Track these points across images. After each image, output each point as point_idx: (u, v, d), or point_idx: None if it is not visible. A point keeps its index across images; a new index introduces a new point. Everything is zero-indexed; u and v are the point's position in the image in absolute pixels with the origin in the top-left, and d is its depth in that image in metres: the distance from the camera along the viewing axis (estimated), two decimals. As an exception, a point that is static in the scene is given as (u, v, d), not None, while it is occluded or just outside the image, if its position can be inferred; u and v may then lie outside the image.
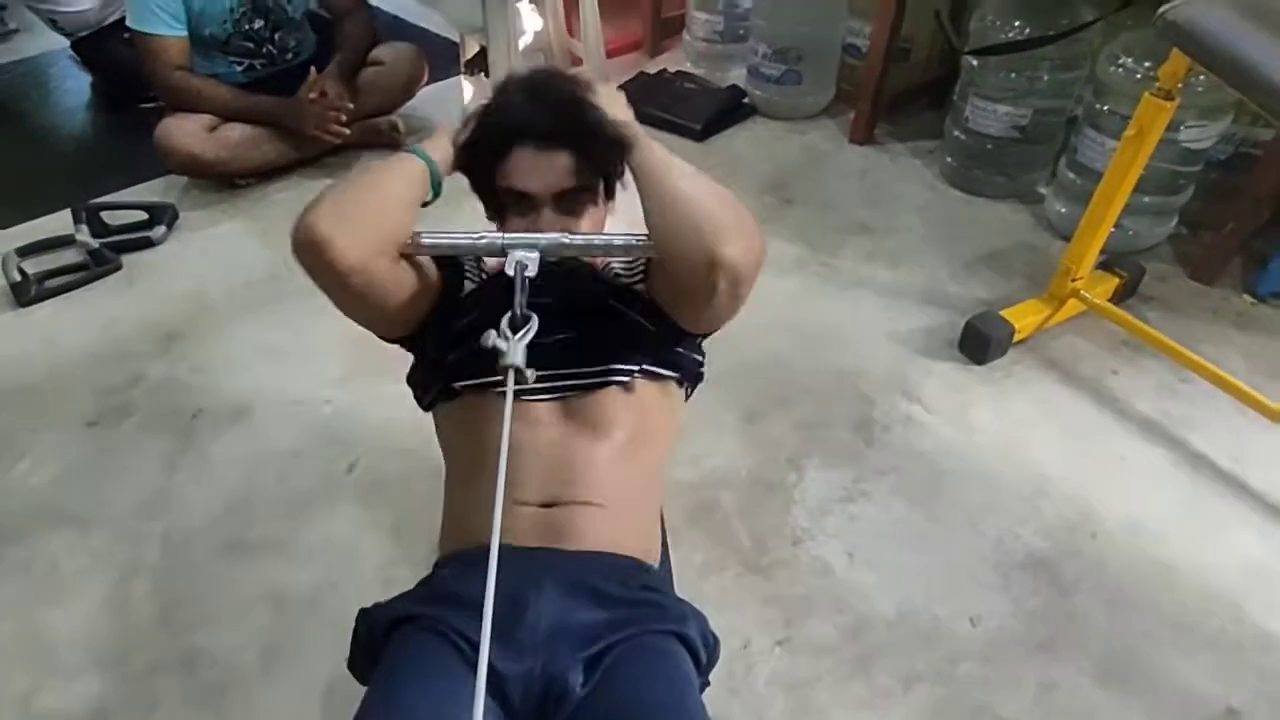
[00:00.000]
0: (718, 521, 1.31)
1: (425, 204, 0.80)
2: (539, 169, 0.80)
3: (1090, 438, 1.43)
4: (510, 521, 0.78)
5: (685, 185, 0.75)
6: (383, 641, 0.73)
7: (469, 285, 0.90)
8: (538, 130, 0.80)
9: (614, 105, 0.83)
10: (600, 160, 0.81)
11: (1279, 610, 1.17)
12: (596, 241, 0.81)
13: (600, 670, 0.70)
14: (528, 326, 0.71)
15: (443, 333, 0.86)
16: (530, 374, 0.68)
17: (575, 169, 0.80)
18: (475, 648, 0.68)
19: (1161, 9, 1.18)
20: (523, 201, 0.82)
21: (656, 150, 0.79)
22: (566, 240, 0.78)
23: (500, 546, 0.74)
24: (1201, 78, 1.51)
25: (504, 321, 0.72)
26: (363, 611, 0.78)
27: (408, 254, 0.80)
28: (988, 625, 1.17)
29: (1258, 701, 1.08)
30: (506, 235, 0.79)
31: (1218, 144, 1.70)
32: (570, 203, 0.82)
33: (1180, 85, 1.28)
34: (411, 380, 0.92)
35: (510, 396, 0.66)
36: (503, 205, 0.84)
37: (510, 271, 0.75)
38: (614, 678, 0.69)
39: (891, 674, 1.11)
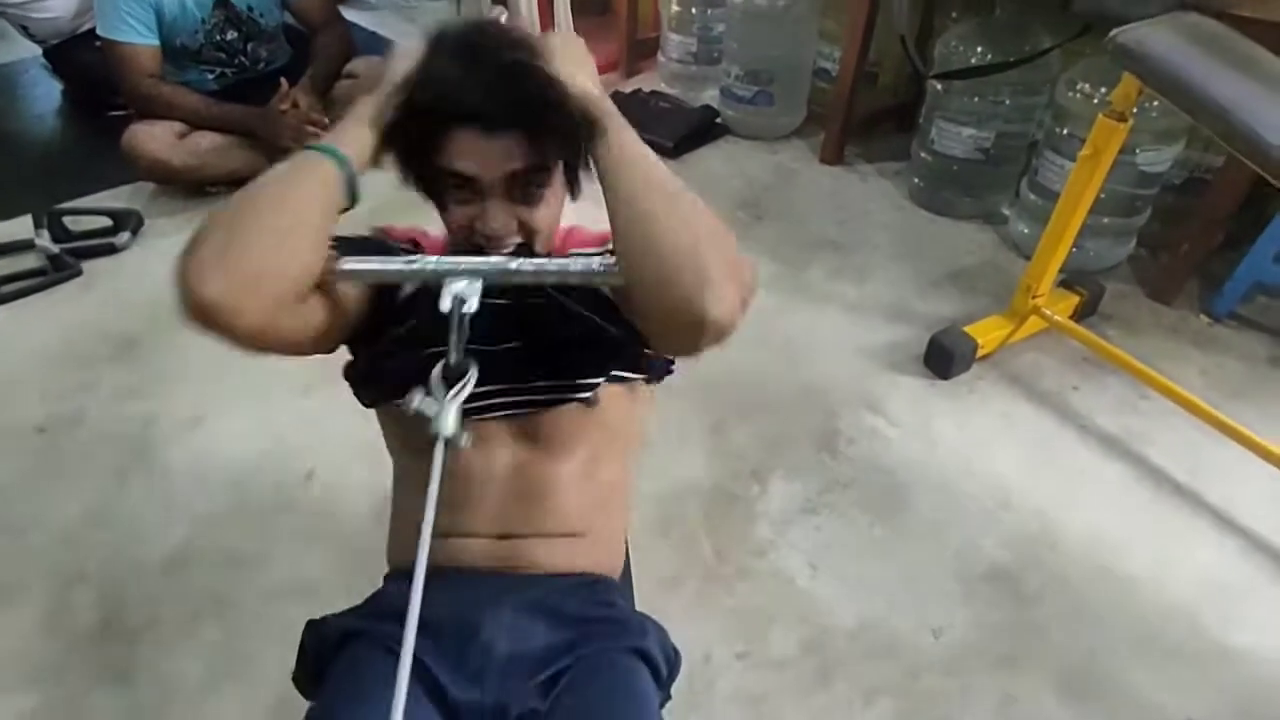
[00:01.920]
0: (681, 533, 1.30)
1: (343, 210, 0.66)
2: (484, 153, 0.66)
3: (1052, 452, 1.44)
4: (461, 549, 0.74)
5: (663, 211, 0.60)
6: (330, 656, 0.71)
7: (407, 288, 0.76)
8: (481, 112, 0.65)
9: (573, 65, 0.68)
10: (559, 143, 0.67)
11: (1235, 623, 1.17)
12: (551, 268, 0.66)
13: (557, 691, 0.67)
14: (464, 381, 0.62)
15: (379, 341, 0.75)
16: (465, 440, 0.60)
17: (528, 149, 0.66)
18: (426, 668, 0.66)
19: (1113, 33, 1.22)
20: (465, 186, 0.68)
21: (629, 144, 0.64)
22: (515, 267, 0.65)
23: (451, 570, 0.73)
24: (1155, 103, 1.56)
25: (435, 372, 0.62)
26: (310, 623, 0.75)
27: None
28: (950, 637, 1.16)
29: (1216, 714, 1.08)
30: (441, 261, 0.66)
31: (1172, 168, 1.75)
32: (523, 188, 0.69)
33: (1133, 108, 1.32)
34: (348, 377, 0.81)
35: (439, 466, 0.57)
36: (440, 187, 0.70)
37: (446, 307, 0.61)
38: (571, 698, 0.67)
39: (852, 687, 1.10)
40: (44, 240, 1.83)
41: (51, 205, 1.94)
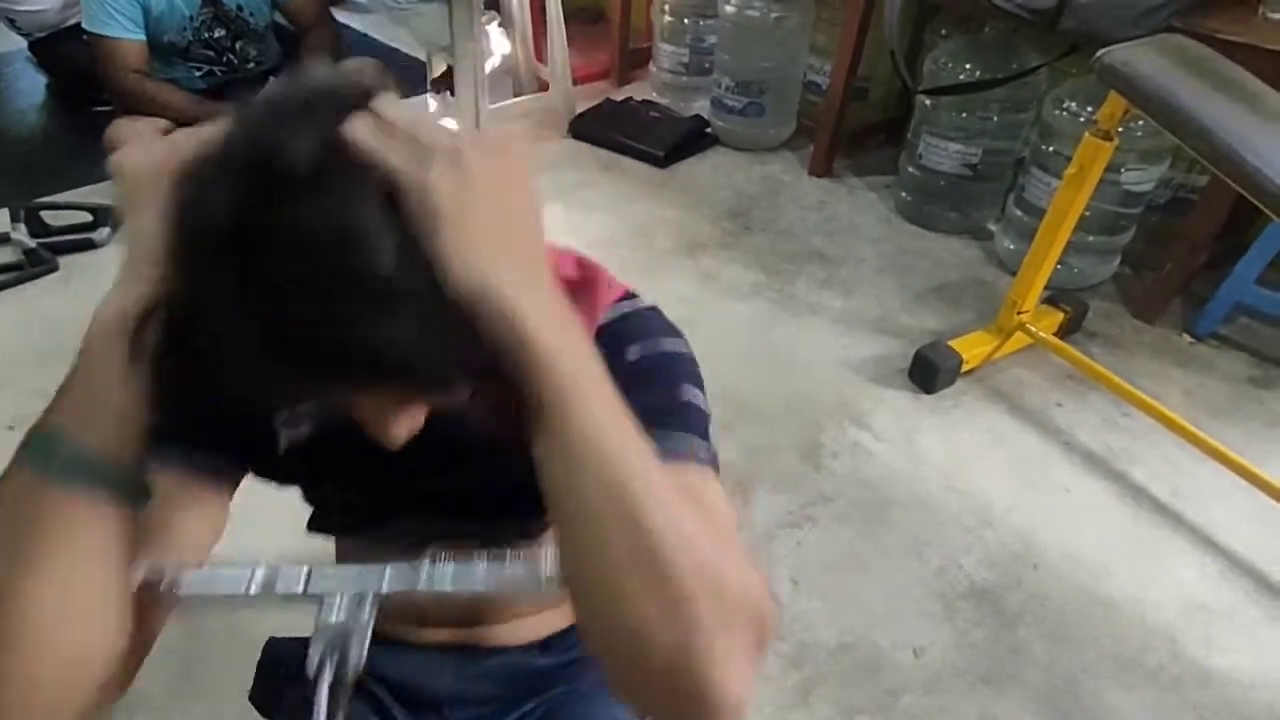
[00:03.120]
0: (661, 545, 1.28)
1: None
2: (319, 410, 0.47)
3: (1034, 469, 1.44)
4: (413, 633, 0.67)
5: (629, 554, 0.36)
6: (289, 677, 0.66)
7: (285, 437, 0.53)
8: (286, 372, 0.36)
9: (489, 236, 0.36)
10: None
11: (1215, 645, 1.17)
12: (478, 579, 0.42)
13: None
14: None
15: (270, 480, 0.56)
16: None
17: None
18: (385, 709, 0.64)
19: (1099, 53, 1.22)
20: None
21: (584, 430, 0.37)
22: (423, 578, 0.43)
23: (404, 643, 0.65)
24: (1140, 123, 1.57)
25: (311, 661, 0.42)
26: (271, 641, 0.72)
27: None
28: (930, 656, 1.15)
29: (1194, 737, 1.07)
30: (316, 571, 0.44)
31: (1157, 188, 1.77)
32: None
33: (1119, 127, 1.32)
34: None
35: None
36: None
37: (311, 669, 0.42)
38: None
39: (832, 705, 1.09)
40: (20, 234, 1.80)
41: (30, 199, 1.91)
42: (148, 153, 0.38)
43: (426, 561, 0.43)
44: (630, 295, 0.56)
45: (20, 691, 0.38)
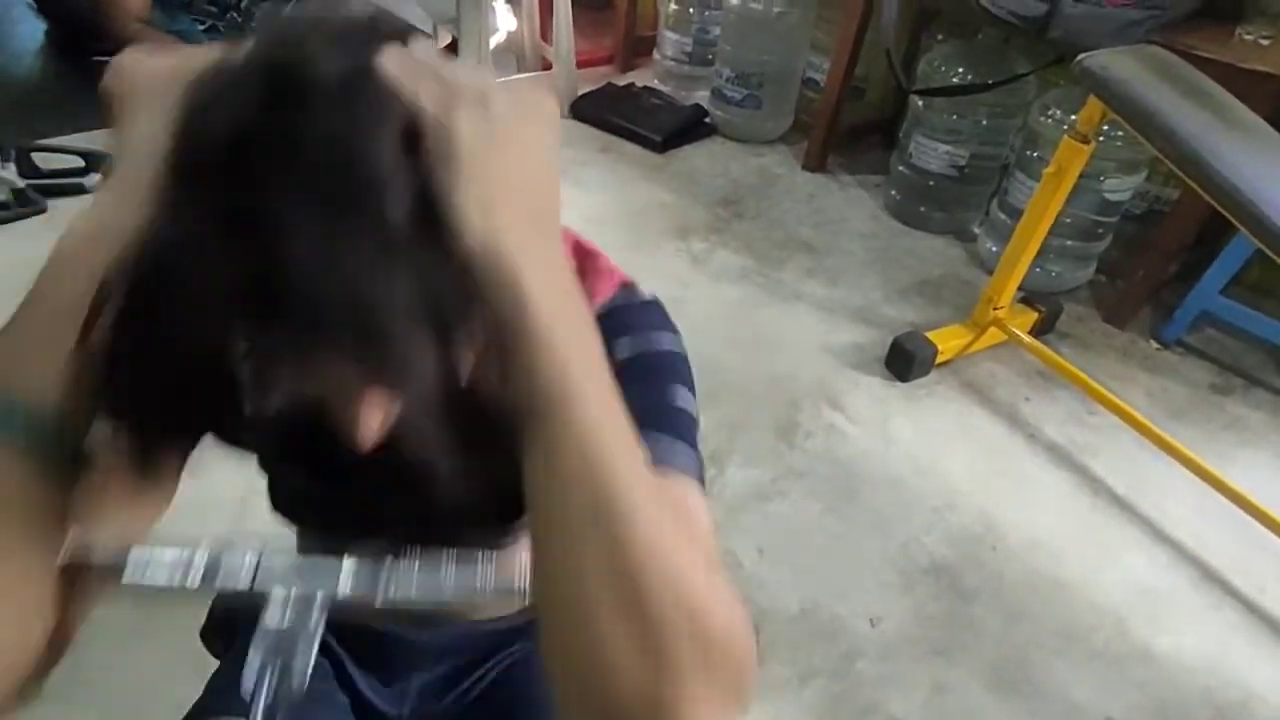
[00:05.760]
0: (634, 508, 1.31)
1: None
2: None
3: (1000, 457, 1.49)
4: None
5: (609, 579, 0.32)
6: (243, 616, 0.64)
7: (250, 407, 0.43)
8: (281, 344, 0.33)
9: (502, 194, 0.33)
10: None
11: (1160, 627, 1.22)
12: (446, 589, 0.37)
13: (481, 689, 0.66)
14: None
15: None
16: None
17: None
18: (346, 672, 0.64)
19: (1080, 57, 1.27)
20: None
21: (579, 438, 0.33)
22: (383, 584, 0.37)
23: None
24: (1120, 134, 1.63)
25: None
26: None
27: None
28: (887, 626, 1.19)
29: (1135, 712, 1.12)
30: (264, 561, 0.37)
31: (1134, 198, 1.83)
32: None
33: (1096, 131, 1.37)
34: None
35: None
36: None
37: (251, 667, 0.35)
38: (497, 693, 0.66)
39: (789, 667, 1.12)
40: (9, 173, 1.80)
41: (22, 140, 1.90)
42: (157, 58, 0.36)
43: (389, 560, 0.36)
44: (628, 285, 0.52)
45: None
